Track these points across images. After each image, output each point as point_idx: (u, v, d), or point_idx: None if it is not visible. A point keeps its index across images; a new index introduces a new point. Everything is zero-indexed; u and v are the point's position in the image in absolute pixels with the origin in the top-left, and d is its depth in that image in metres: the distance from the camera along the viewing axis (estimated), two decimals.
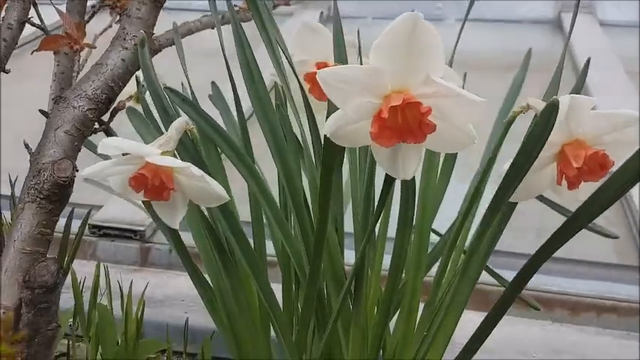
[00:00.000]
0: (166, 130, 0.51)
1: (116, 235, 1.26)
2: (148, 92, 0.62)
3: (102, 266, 0.92)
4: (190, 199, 0.46)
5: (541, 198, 0.55)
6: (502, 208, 0.49)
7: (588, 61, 0.66)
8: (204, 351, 0.74)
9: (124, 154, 0.43)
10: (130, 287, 0.90)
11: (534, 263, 0.48)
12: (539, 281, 1.09)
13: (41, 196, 0.58)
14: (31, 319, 0.56)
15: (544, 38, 2.25)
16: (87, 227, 1.25)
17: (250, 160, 0.58)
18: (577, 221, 0.44)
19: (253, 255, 0.58)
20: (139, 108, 0.73)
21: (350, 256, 0.62)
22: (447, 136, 0.39)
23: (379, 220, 0.60)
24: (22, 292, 0.56)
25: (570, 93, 0.62)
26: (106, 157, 0.62)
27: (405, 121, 0.38)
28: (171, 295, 1.08)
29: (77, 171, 0.59)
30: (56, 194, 0.58)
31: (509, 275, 0.75)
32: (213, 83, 0.77)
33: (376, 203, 0.56)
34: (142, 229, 1.25)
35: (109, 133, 0.68)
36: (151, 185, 0.43)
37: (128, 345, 0.69)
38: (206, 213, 0.58)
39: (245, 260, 0.56)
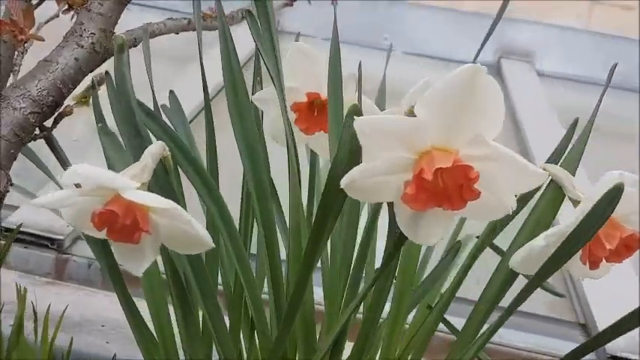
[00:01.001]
0: (131, 151, 0.43)
1: (31, 242, 1.13)
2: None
3: (16, 282, 0.81)
4: (164, 243, 0.38)
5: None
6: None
7: (576, 121, 0.63)
8: None
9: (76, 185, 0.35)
10: (48, 311, 0.80)
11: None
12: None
13: None
14: None
15: None
16: None
17: (216, 186, 0.51)
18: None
19: (212, 292, 0.50)
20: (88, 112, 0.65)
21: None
22: (484, 204, 0.34)
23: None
24: None
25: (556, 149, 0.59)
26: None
27: (445, 184, 0.32)
28: (90, 318, 0.98)
29: (12, 185, 0.50)
30: None
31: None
32: (171, 92, 0.69)
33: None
34: (60, 237, 1.13)
35: (51, 141, 0.59)
36: (120, 225, 0.35)
37: None
38: None
39: (201, 297, 0.48)
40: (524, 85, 2.13)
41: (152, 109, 0.53)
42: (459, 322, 0.63)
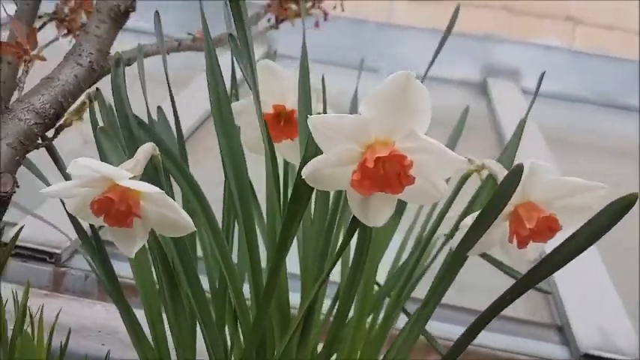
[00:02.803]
0: (126, 150, 0.49)
1: (29, 256, 1.17)
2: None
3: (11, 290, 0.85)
4: (153, 227, 0.44)
5: (488, 259, 0.58)
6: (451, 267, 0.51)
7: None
8: None
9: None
10: (41, 313, 0.85)
11: (482, 321, 0.50)
12: (458, 332, 1.12)
13: None
14: None
15: (469, 99, 2.38)
16: None
17: (193, 179, 0.57)
18: (528, 280, 0.46)
19: (197, 279, 0.55)
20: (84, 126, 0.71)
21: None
22: (421, 189, 0.40)
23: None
24: None
25: (502, 155, 0.65)
26: None
27: (385, 172, 0.39)
28: (87, 326, 1.02)
29: (18, 187, 0.56)
30: None
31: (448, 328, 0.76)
32: (159, 108, 0.76)
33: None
34: (57, 251, 1.17)
35: (51, 150, 0.65)
36: (116, 210, 0.41)
37: None
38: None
39: (191, 292, 0.54)
40: (510, 103, 2.21)
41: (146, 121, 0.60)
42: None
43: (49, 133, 0.63)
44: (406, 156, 0.38)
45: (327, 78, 0.59)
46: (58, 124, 0.63)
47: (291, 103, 0.59)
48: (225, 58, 0.66)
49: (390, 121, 0.39)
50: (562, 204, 0.46)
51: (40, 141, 0.62)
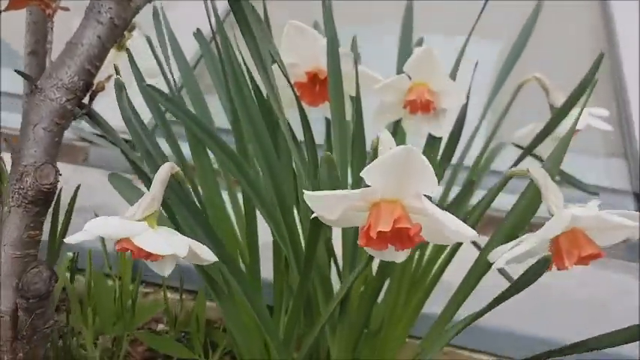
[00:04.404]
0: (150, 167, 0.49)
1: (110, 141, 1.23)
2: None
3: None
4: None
5: None
6: None
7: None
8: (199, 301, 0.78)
9: None
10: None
11: None
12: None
13: (26, 201, 0.57)
14: (29, 322, 0.58)
15: None
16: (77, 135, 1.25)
17: (242, 159, 0.56)
18: None
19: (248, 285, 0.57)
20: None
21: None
22: (438, 235, 0.38)
23: None
24: (17, 297, 0.57)
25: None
26: None
27: (393, 234, 0.37)
28: None
29: (60, 175, 0.58)
30: (41, 200, 0.57)
31: None
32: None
33: None
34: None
35: (92, 115, 0.65)
36: (139, 253, 0.42)
37: (124, 314, 0.72)
38: None
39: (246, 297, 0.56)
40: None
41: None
42: None
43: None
44: (409, 228, 0.36)
45: None
46: (90, 91, 0.63)
47: (325, 65, 0.55)
48: None
49: (395, 188, 0.36)
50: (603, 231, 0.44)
51: (78, 110, 0.62)
